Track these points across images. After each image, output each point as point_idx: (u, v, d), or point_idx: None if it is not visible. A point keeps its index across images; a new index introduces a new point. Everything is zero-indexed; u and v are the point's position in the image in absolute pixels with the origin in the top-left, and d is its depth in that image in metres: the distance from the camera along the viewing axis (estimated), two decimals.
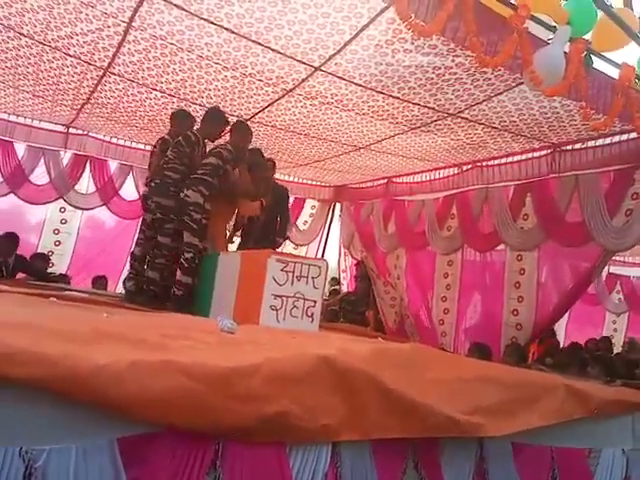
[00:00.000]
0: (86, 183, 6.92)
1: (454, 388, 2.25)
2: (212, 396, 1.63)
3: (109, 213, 7.05)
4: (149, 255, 4.31)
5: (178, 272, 4.08)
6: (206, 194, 4.03)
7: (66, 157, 6.81)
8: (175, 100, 4.98)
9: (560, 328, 8.26)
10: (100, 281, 6.41)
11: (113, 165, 7.03)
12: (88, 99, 5.26)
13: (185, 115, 4.69)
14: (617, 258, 7.50)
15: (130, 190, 7.11)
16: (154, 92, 4.85)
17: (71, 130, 6.59)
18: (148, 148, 6.98)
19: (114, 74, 4.59)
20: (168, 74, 4.44)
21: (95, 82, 4.82)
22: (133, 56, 4.21)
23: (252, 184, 4.42)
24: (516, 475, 2.46)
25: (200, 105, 5.01)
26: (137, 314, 3.20)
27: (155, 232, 4.26)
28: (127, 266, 5.13)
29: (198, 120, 4.59)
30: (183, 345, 1.90)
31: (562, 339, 8.37)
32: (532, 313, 5.25)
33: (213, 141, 4.47)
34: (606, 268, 7.59)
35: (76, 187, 6.85)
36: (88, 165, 6.89)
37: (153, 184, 4.29)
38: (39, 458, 1.45)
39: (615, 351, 7.24)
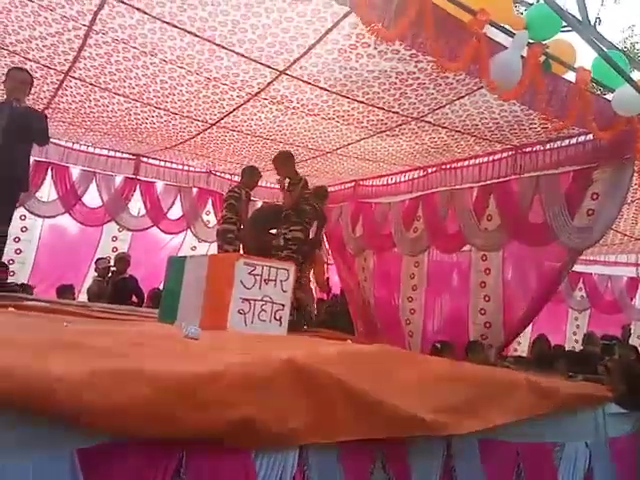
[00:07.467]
0: (47, 190, 6.76)
1: (420, 388, 2.27)
2: (174, 404, 1.60)
3: (71, 220, 6.88)
4: None
5: None
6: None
7: None
8: (139, 105, 4.90)
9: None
10: (66, 290, 6.24)
11: (75, 171, 6.87)
12: (49, 104, 5.14)
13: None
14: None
15: (93, 196, 6.95)
16: (117, 97, 4.77)
17: None
18: (112, 154, 6.91)
19: (75, 78, 4.50)
20: (131, 78, 4.38)
21: (56, 87, 4.72)
22: (95, 60, 4.14)
23: None
24: (482, 472, 2.49)
25: (164, 110, 4.95)
26: (98, 322, 3.13)
27: None
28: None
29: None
30: (144, 353, 1.87)
31: (529, 336, 8.47)
32: (500, 311, 5.31)
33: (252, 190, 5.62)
34: None
35: (37, 194, 6.66)
36: (49, 172, 6.72)
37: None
38: None
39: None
